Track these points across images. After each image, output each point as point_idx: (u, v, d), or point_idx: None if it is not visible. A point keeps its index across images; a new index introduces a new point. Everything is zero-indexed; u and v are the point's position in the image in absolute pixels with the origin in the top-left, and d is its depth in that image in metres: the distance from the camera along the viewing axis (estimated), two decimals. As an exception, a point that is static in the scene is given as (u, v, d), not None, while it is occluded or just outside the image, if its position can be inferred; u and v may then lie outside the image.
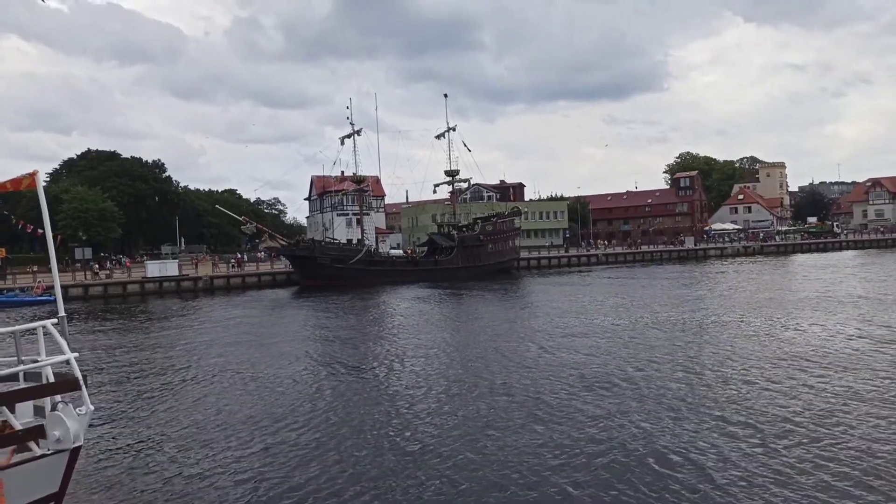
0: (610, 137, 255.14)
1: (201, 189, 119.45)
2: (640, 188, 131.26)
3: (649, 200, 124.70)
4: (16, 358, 5.96)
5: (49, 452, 5.04)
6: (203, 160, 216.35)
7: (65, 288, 51.57)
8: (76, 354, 5.17)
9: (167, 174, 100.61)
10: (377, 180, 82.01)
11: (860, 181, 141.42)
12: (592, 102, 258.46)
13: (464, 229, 68.24)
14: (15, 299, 47.52)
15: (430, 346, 22.37)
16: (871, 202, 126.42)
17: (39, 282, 52.35)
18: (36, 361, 5.47)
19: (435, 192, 73.58)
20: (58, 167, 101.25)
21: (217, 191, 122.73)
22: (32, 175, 5.79)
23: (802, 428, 11.53)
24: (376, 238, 79.31)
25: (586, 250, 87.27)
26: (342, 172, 72.49)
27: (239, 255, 71.19)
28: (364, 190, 68.06)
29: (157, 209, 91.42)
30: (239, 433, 12.57)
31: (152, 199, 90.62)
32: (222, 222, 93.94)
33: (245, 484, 9.97)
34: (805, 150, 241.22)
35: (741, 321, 25.23)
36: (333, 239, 67.10)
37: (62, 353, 5.09)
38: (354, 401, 14.99)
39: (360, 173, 66.16)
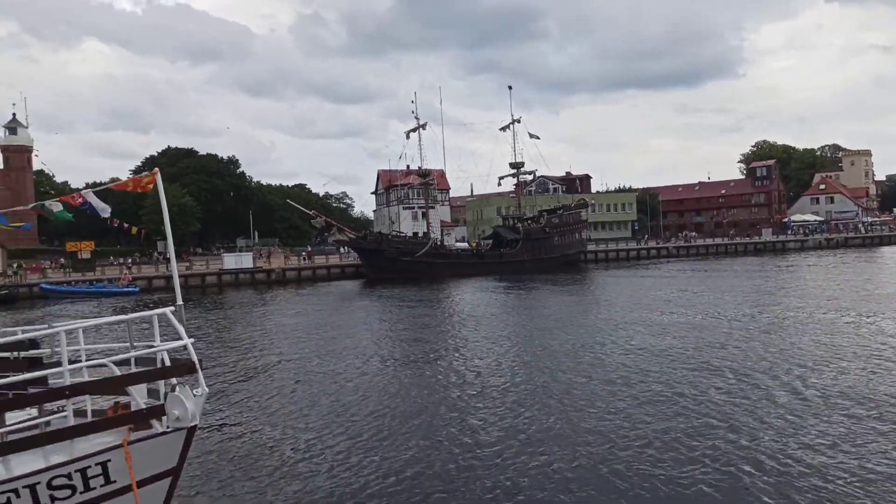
0: (680, 127, 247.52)
1: (273, 184, 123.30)
2: (713, 179, 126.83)
3: (723, 191, 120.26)
4: (128, 344, 6.46)
5: (168, 430, 5.48)
6: (274, 156, 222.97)
7: (149, 279, 54.49)
8: (192, 340, 5.57)
9: (241, 170, 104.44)
10: (442, 173, 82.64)
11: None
12: (662, 91, 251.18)
13: (529, 222, 67.91)
14: (104, 290, 50.46)
15: (499, 339, 22.25)
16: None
17: (125, 273, 55.57)
18: (151, 347, 5.92)
19: (500, 184, 73.70)
20: (140, 164, 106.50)
21: (288, 185, 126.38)
22: (153, 175, 6.27)
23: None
24: (441, 231, 79.83)
25: (665, 242, 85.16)
26: (408, 166, 73.61)
27: (309, 249, 73.28)
28: (429, 183, 68.71)
29: (232, 204, 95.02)
30: (323, 422, 13.00)
31: (228, 194, 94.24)
32: (293, 216, 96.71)
33: (326, 474, 10.39)
34: (893, 136, 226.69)
35: (844, 319, 24.14)
36: (400, 232, 68.17)
37: (179, 338, 5.51)
38: (425, 395, 15.19)
39: (425, 167, 66.91)
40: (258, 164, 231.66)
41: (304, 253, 70.25)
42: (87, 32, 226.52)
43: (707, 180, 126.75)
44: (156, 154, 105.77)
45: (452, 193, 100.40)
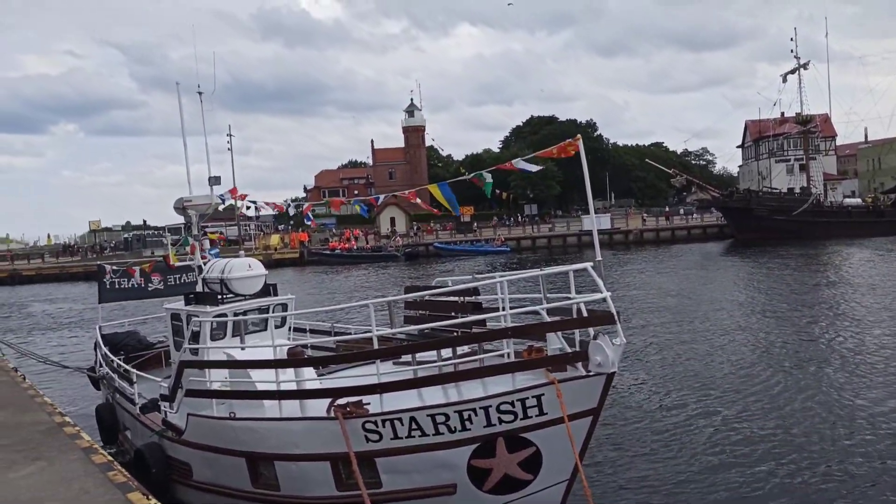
0: None
1: (628, 144, 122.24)
2: None
3: None
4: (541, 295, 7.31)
5: (591, 374, 6.10)
6: (628, 115, 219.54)
7: (517, 239, 59.89)
8: (610, 293, 6.06)
9: (598, 132, 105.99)
10: (826, 118, 71.23)
11: None
12: None
13: (953, 170, 54.57)
14: (481, 248, 57.51)
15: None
16: None
17: (499, 235, 62.20)
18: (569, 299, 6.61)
19: (908, 126, 60.43)
20: (507, 135, 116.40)
21: (643, 145, 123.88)
22: (576, 140, 7.01)
23: None
24: (824, 185, 69.30)
25: None
26: (782, 114, 65.57)
27: (668, 209, 71.24)
28: (811, 131, 60.14)
29: (589, 167, 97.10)
30: (725, 396, 12.43)
31: (586, 157, 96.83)
32: (649, 175, 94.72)
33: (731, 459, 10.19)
34: None
35: None
36: (772, 188, 61.77)
37: (599, 292, 6.05)
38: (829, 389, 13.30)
39: (805, 112, 58.80)
40: (613, 126, 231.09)
41: (662, 213, 68.70)
42: (461, 18, 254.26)
43: None
44: (520, 124, 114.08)
45: (840, 140, 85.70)
